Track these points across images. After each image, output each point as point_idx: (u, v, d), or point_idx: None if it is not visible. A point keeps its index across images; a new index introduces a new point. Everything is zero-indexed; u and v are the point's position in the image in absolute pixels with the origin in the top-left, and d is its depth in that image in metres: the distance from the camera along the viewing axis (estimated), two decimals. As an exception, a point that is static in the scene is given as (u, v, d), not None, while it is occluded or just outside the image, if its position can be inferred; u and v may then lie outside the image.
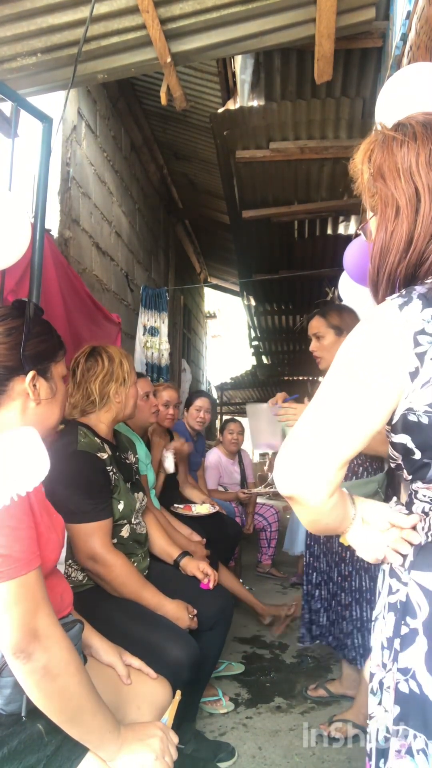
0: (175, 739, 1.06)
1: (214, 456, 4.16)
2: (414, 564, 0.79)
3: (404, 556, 0.81)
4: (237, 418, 4.68)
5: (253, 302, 6.68)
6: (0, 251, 1.75)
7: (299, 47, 2.62)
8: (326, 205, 3.97)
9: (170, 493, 2.88)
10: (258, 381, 11.22)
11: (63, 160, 3.18)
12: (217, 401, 10.75)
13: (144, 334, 4.78)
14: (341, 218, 4.40)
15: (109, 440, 1.78)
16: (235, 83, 3.47)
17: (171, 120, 4.69)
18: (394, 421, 0.77)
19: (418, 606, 0.76)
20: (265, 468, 9.02)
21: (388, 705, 0.77)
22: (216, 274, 9.16)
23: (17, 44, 2.20)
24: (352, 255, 2.21)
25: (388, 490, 2.01)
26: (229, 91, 3.63)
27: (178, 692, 1.26)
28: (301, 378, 10.58)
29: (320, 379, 0.89)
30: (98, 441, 1.68)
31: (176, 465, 2.86)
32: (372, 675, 0.85)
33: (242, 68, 3.07)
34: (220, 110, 3.43)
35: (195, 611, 1.67)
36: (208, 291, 10.68)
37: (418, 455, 0.76)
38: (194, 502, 3.01)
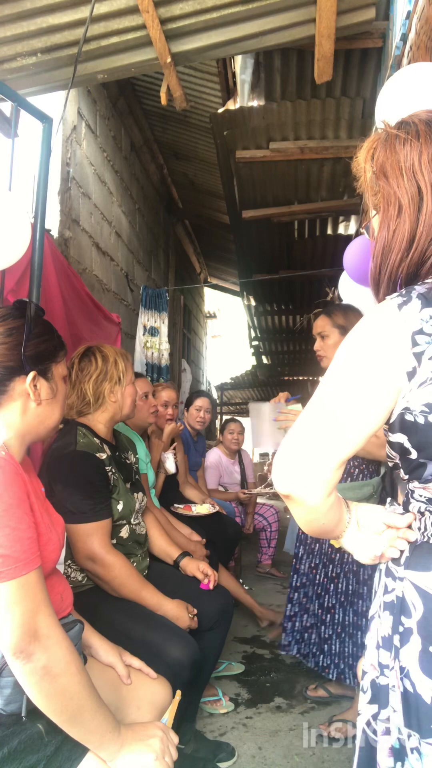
0: (175, 739, 1.06)
1: (215, 456, 4.16)
2: (409, 563, 0.80)
3: (401, 552, 0.81)
4: (237, 418, 4.68)
5: (253, 302, 6.68)
6: (0, 251, 1.75)
7: (299, 47, 2.62)
8: (326, 205, 3.96)
9: (170, 493, 2.88)
10: (258, 381, 11.22)
11: (63, 160, 3.18)
12: (217, 401, 10.75)
13: (144, 334, 4.78)
14: (341, 218, 4.41)
15: (109, 440, 1.77)
16: (235, 83, 3.47)
17: (171, 120, 4.69)
18: (391, 421, 0.77)
19: (412, 605, 0.77)
20: (265, 468, 9.02)
21: (396, 705, 0.77)
22: (216, 274, 9.16)
23: (17, 44, 2.20)
24: (352, 255, 2.21)
25: (383, 494, 2.01)
26: (229, 91, 3.63)
27: (178, 692, 1.26)
28: (301, 378, 10.58)
29: (321, 378, 0.89)
30: (97, 441, 1.68)
31: (176, 465, 2.86)
32: (364, 673, 0.85)
33: (242, 68, 3.07)
34: (220, 110, 3.43)
35: (195, 611, 1.67)
36: (208, 291, 10.68)
37: (414, 455, 0.77)
38: (194, 502, 3.01)
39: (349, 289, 2.52)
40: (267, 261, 5.24)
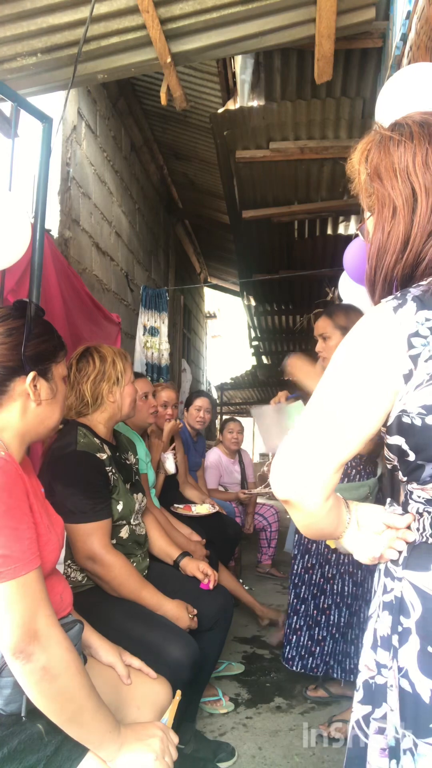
0: (175, 739, 1.06)
1: (215, 455, 4.16)
2: (408, 563, 0.80)
3: (399, 553, 0.81)
4: (237, 417, 4.68)
5: (253, 302, 6.68)
6: (0, 251, 1.75)
7: (299, 47, 2.62)
8: (326, 205, 3.97)
9: (170, 493, 2.88)
10: (258, 381, 11.21)
11: (63, 160, 3.18)
12: (217, 401, 10.75)
13: (144, 334, 4.78)
14: (341, 218, 4.41)
15: (109, 441, 1.77)
16: (235, 83, 3.48)
17: (171, 120, 4.69)
18: (388, 423, 0.77)
19: (411, 605, 0.77)
20: (264, 468, 9.01)
21: (393, 704, 0.77)
22: (216, 274, 9.15)
23: (17, 44, 2.20)
24: (352, 255, 2.21)
25: (379, 495, 2.01)
26: (229, 91, 3.63)
27: (178, 692, 1.26)
28: (301, 378, 10.56)
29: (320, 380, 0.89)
30: (98, 441, 1.68)
31: (176, 466, 2.86)
32: (357, 673, 0.85)
33: (242, 68, 3.08)
34: (220, 110, 3.43)
35: (195, 611, 1.67)
36: (208, 291, 10.67)
37: (412, 457, 0.77)
38: (194, 502, 3.01)
39: (349, 289, 2.52)
40: (267, 261, 5.24)
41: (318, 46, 2.23)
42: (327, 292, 4.85)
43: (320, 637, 2.10)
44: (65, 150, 3.22)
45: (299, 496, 0.75)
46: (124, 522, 1.69)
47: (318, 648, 2.10)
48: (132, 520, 1.73)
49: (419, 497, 0.81)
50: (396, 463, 0.81)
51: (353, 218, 4.32)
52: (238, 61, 3.13)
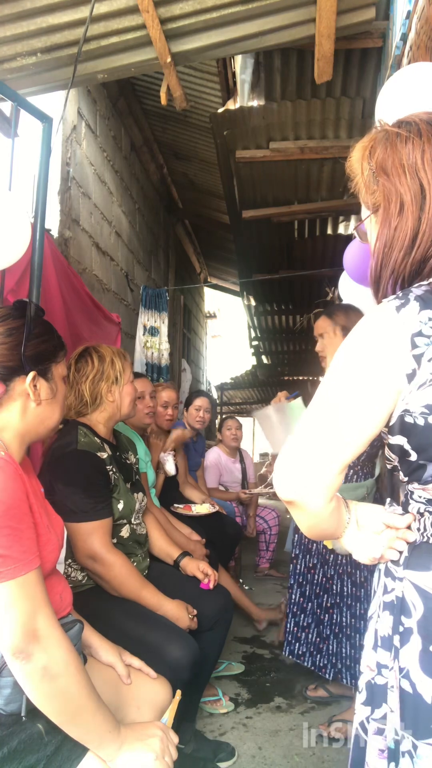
0: (175, 739, 1.06)
1: (214, 455, 4.15)
2: (408, 563, 0.80)
3: (400, 553, 0.81)
4: (235, 416, 4.68)
5: (253, 302, 6.68)
6: (0, 251, 1.75)
7: (299, 47, 2.62)
8: (326, 205, 3.96)
9: (170, 493, 2.88)
10: (258, 381, 11.21)
11: (63, 160, 3.18)
12: (217, 401, 10.75)
13: (144, 334, 4.78)
14: (341, 218, 4.40)
15: (109, 440, 1.77)
16: (235, 83, 3.47)
17: (171, 120, 4.69)
18: (391, 423, 0.77)
19: (412, 605, 0.77)
20: (264, 468, 9.01)
21: (394, 705, 0.77)
22: (216, 274, 9.15)
23: (17, 44, 2.20)
24: (352, 255, 2.21)
25: (377, 495, 2.01)
26: (229, 91, 3.63)
27: (178, 692, 1.26)
28: (301, 378, 10.58)
29: (321, 378, 0.89)
30: (98, 441, 1.68)
31: (176, 467, 2.86)
32: (360, 674, 0.85)
33: (242, 68, 3.07)
34: (220, 110, 3.43)
35: (195, 611, 1.67)
36: (208, 291, 10.67)
37: (414, 457, 0.77)
38: (194, 502, 3.01)
39: (349, 289, 2.52)
40: (267, 261, 5.24)
41: (318, 45, 2.23)
42: (327, 292, 4.84)
43: (325, 636, 2.10)
44: (65, 150, 3.22)
45: (303, 497, 0.75)
46: (125, 521, 1.69)
47: (324, 645, 2.10)
48: (133, 520, 1.73)
49: (420, 497, 0.80)
50: (397, 463, 0.81)
51: (353, 218, 4.31)
52: (238, 60, 3.13)
